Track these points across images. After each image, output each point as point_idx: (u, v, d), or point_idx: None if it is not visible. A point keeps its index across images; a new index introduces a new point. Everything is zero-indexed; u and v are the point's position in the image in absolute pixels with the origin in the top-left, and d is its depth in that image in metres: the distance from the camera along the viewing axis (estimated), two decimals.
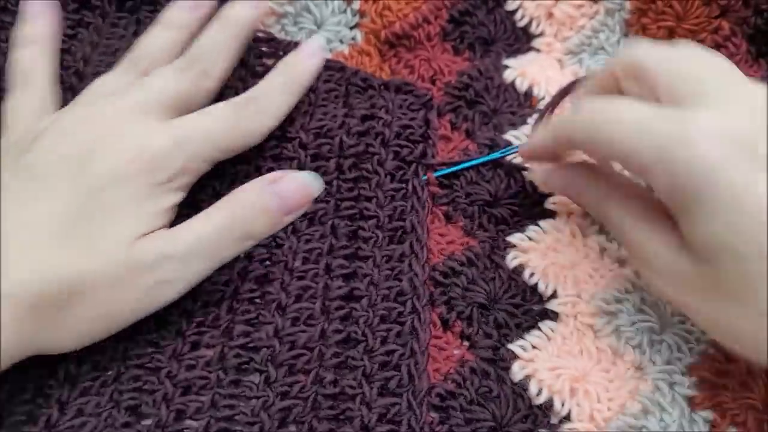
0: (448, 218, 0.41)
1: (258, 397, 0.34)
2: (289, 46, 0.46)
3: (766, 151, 0.29)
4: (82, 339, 0.34)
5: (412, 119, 0.43)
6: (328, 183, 0.41)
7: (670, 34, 0.46)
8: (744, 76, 0.33)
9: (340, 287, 0.38)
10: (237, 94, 0.44)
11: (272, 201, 0.37)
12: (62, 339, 0.33)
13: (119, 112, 0.37)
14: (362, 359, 0.35)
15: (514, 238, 0.40)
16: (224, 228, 0.36)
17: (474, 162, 0.42)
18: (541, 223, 0.41)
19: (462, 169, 0.42)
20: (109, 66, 0.44)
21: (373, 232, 0.39)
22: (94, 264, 0.32)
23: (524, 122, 0.44)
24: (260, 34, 0.47)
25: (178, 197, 0.36)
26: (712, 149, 0.29)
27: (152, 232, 0.34)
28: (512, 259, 0.40)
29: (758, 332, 0.29)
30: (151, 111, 0.37)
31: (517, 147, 0.41)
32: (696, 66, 0.32)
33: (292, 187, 0.38)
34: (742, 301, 0.29)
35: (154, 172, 0.35)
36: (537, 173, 0.41)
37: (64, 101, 0.43)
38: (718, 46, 0.46)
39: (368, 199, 0.40)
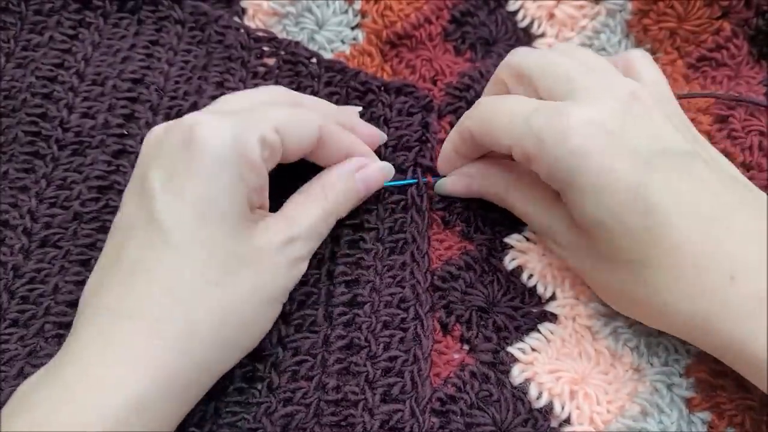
0: (446, 223, 0.42)
1: (261, 404, 0.34)
2: (290, 46, 0.46)
3: (627, 137, 0.33)
4: (251, 327, 0.35)
5: (409, 125, 0.43)
6: None
7: (672, 35, 0.46)
8: (613, 70, 0.37)
9: (342, 293, 0.38)
10: None
11: (361, 190, 0.39)
12: (232, 337, 0.34)
13: None
14: (365, 365, 0.36)
15: (512, 239, 0.41)
16: (328, 212, 0.38)
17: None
18: None
19: None
20: (110, 66, 0.44)
21: (373, 244, 0.40)
22: (219, 260, 0.33)
23: None
24: (261, 34, 0.47)
25: (265, 173, 0.36)
26: (581, 139, 0.33)
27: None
28: (510, 261, 0.40)
29: (630, 291, 0.34)
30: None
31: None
32: (566, 65, 0.36)
33: (376, 177, 0.40)
34: (616, 266, 0.34)
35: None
36: (442, 183, 0.42)
37: (65, 101, 0.43)
38: (719, 48, 0.46)
39: (368, 212, 0.41)
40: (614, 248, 0.34)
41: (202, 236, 0.32)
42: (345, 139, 0.39)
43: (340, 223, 0.39)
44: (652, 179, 0.32)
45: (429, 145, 0.42)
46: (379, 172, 0.40)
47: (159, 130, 0.35)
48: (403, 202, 0.41)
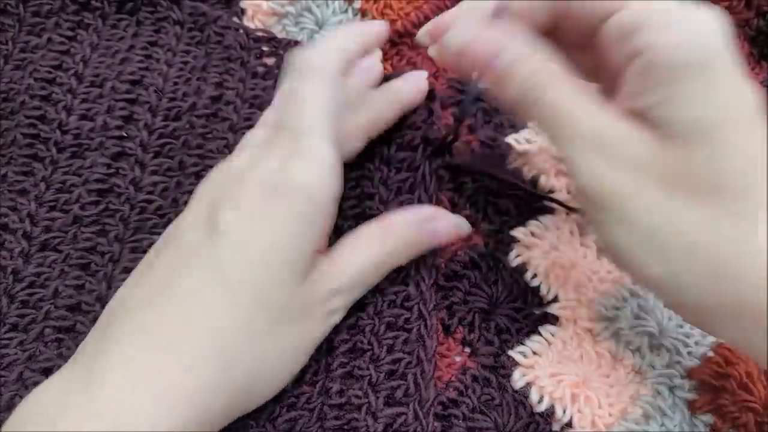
0: (454, 205, 0.41)
1: (264, 409, 0.34)
2: (290, 46, 0.46)
3: None
4: (275, 380, 0.34)
5: (413, 112, 0.42)
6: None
7: None
8: None
9: None
10: (238, 95, 0.45)
11: (427, 239, 0.37)
12: (258, 386, 0.33)
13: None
14: (368, 368, 0.35)
15: (518, 232, 0.40)
16: (381, 261, 0.36)
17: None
18: (542, 218, 0.41)
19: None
20: (109, 67, 0.44)
21: None
22: (267, 307, 0.32)
23: (524, 124, 0.44)
24: (261, 34, 0.47)
25: (328, 220, 0.35)
26: (718, 33, 0.28)
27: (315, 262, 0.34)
28: (515, 257, 0.40)
29: (735, 243, 0.27)
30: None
31: None
32: None
33: (446, 230, 0.37)
34: (713, 195, 0.27)
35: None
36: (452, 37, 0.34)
37: (63, 103, 0.43)
38: None
39: (371, 197, 0.40)
40: (719, 166, 0.27)
41: (260, 284, 0.31)
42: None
43: (342, 215, 0.39)
44: None
45: (435, 127, 0.41)
46: (454, 227, 0.37)
47: (241, 164, 0.34)
48: (410, 181, 0.40)
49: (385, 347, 0.36)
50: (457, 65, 0.34)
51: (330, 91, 0.34)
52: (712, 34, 0.28)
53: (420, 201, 0.39)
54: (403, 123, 0.42)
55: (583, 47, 0.33)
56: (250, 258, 0.31)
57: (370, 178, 0.41)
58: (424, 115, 0.42)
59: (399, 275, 0.38)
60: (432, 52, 0.36)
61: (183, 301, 0.31)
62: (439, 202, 0.40)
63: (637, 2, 0.29)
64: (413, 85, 0.41)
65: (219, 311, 0.31)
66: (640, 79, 0.29)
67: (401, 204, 0.39)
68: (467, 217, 0.40)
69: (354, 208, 0.40)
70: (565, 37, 0.33)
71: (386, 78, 0.44)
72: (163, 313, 0.31)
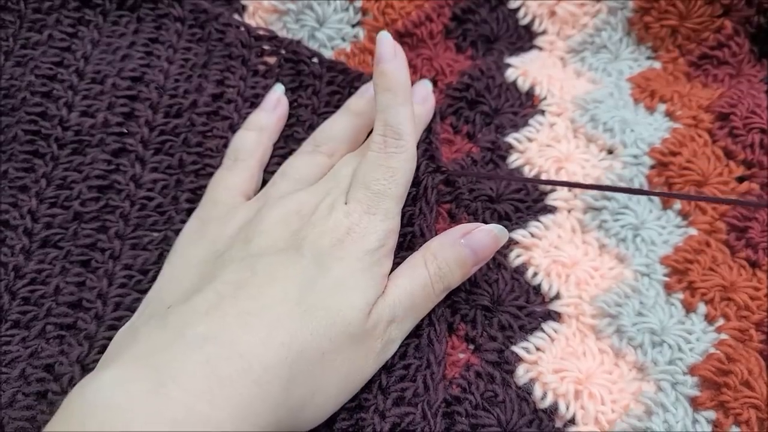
0: (452, 216, 0.41)
1: None
2: (291, 45, 0.46)
3: None
4: (326, 405, 0.34)
5: None
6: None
7: (673, 33, 0.46)
8: None
9: None
10: (239, 94, 0.45)
11: (468, 255, 0.37)
12: (309, 409, 0.33)
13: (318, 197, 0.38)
14: (380, 375, 0.35)
15: (517, 234, 0.40)
16: (429, 286, 0.36)
17: None
18: (542, 218, 0.41)
19: (464, 169, 0.42)
20: (110, 64, 0.44)
21: None
22: (336, 332, 0.33)
23: (525, 123, 0.44)
24: (262, 32, 0.47)
25: (391, 260, 0.37)
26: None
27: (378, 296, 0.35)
28: (515, 258, 0.40)
29: None
30: (342, 194, 0.38)
31: None
32: None
33: (484, 241, 0.38)
34: None
35: (365, 243, 0.36)
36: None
37: (64, 100, 0.42)
38: (720, 46, 0.46)
39: None
40: None
41: (331, 304, 0.33)
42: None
43: None
44: None
45: (434, 145, 0.42)
46: (488, 234, 0.38)
47: (323, 210, 0.37)
48: (412, 193, 0.40)
49: (397, 355, 0.36)
50: None
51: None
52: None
53: (422, 212, 0.39)
54: None
55: None
56: (330, 283, 0.33)
57: None
58: (425, 134, 0.42)
59: None
60: None
61: (262, 312, 0.32)
62: (438, 214, 0.41)
63: None
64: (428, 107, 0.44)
65: (295, 329, 0.31)
66: None
67: (404, 215, 0.39)
68: None
69: None
70: None
71: None
72: (240, 321, 0.31)
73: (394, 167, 0.37)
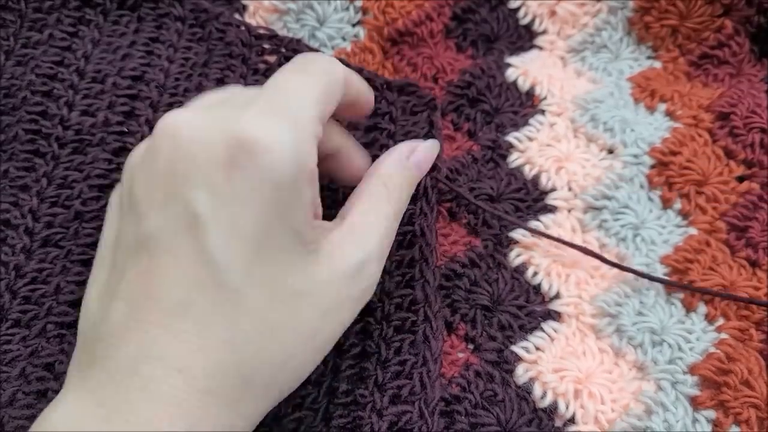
0: (452, 215, 0.41)
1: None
2: (291, 43, 0.46)
3: None
4: (305, 364, 0.31)
5: (416, 123, 0.43)
6: (334, 190, 0.41)
7: (673, 33, 0.46)
8: None
9: None
10: None
11: (415, 173, 0.36)
12: (283, 377, 0.30)
13: None
14: (376, 370, 0.35)
15: (517, 233, 0.40)
16: (396, 213, 0.34)
17: None
18: (543, 218, 0.41)
19: (464, 167, 0.42)
20: (110, 63, 0.44)
21: None
22: (287, 296, 0.29)
23: (526, 122, 0.44)
24: (262, 31, 0.47)
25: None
26: None
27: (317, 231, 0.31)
28: (515, 257, 0.40)
29: None
30: None
31: None
32: None
33: (426, 157, 0.37)
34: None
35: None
36: None
37: (65, 99, 0.42)
38: (721, 45, 0.46)
39: None
40: None
41: (261, 275, 0.28)
42: (359, 80, 0.34)
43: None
44: None
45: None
46: (431, 151, 0.37)
47: (197, 126, 0.29)
48: (413, 193, 0.39)
49: (392, 350, 0.36)
50: None
51: (326, 96, 0.32)
52: None
53: (422, 211, 0.39)
54: (406, 136, 0.42)
55: None
56: (241, 248, 0.28)
57: None
58: (426, 128, 0.42)
59: (404, 278, 0.38)
60: None
61: (180, 312, 0.28)
62: (439, 212, 0.41)
63: None
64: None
65: (224, 316, 0.28)
66: None
67: (404, 214, 0.38)
68: (466, 225, 0.41)
69: None
70: None
71: (387, 83, 0.44)
72: (165, 329, 0.28)
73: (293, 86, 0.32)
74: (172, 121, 0.30)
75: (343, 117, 0.37)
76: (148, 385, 0.27)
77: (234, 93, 0.33)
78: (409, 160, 0.36)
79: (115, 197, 0.33)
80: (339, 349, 0.36)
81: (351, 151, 0.37)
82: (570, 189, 0.42)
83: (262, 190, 0.28)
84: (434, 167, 0.40)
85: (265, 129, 0.28)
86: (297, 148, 0.29)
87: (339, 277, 0.31)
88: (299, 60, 0.33)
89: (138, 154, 0.32)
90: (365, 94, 0.36)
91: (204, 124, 0.29)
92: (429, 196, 0.40)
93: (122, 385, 0.27)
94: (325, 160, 0.34)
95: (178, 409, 0.27)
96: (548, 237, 0.40)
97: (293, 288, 0.29)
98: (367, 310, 0.37)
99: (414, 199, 0.39)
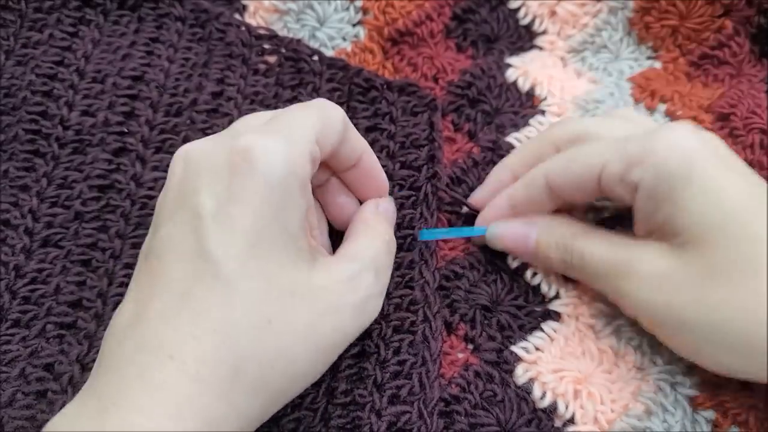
0: (451, 225, 0.41)
1: None
2: (291, 43, 0.46)
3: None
4: (297, 369, 0.32)
5: (416, 124, 0.43)
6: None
7: (673, 33, 0.46)
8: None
9: None
10: (239, 92, 0.45)
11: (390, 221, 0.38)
12: (276, 379, 0.31)
13: None
14: (374, 370, 0.35)
15: None
16: (387, 241, 0.36)
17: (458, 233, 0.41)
18: None
19: (465, 172, 0.42)
20: (110, 63, 0.44)
21: None
22: (283, 294, 0.31)
23: (526, 123, 0.44)
24: (262, 31, 0.47)
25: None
26: (694, 142, 0.33)
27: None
28: (514, 258, 0.40)
29: (754, 313, 0.31)
30: None
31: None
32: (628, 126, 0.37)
33: (392, 208, 0.39)
34: (733, 282, 0.31)
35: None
36: (496, 231, 0.39)
37: (65, 99, 0.43)
38: (721, 46, 0.46)
39: None
40: (731, 256, 0.31)
41: (255, 269, 0.30)
42: (357, 135, 0.36)
43: None
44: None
45: (436, 144, 0.42)
46: (392, 204, 0.39)
47: (204, 147, 0.33)
48: (413, 198, 0.40)
49: (391, 350, 0.36)
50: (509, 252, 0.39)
51: (323, 125, 0.34)
52: (685, 144, 0.33)
53: (422, 217, 0.40)
54: (406, 137, 0.42)
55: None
56: (237, 243, 0.30)
57: None
58: (427, 130, 0.42)
59: (404, 279, 0.38)
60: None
61: (179, 303, 0.29)
62: (438, 220, 0.41)
63: (616, 148, 0.34)
64: None
65: (218, 306, 0.29)
66: (647, 205, 0.34)
67: (404, 218, 0.40)
68: None
69: None
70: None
71: (387, 84, 0.44)
72: (164, 319, 0.29)
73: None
74: (184, 150, 0.33)
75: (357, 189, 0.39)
76: (143, 374, 0.28)
77: (240, 121, 0.36)
78: (379, 209, 0.38)
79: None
80: None
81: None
82: None
83: (257, 190, 0.30)
84: (435, 174, 0.40)
85: (262, 141, 0.31)
86: (288, 155, 0.31)
87: (333, 283, 0.32)
88: (305, 101, 0.36)
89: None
90: (368, 152, 0.37)
91: (211, 145, 0.33)
92: (429, 202, 0.40)
93: (120, 376, 0.28)
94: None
95: (169, 395, 0.28)
96: None
97: (288, 286, 0.31)
98: None
99: (414, 204, 0.40)
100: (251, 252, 0.30)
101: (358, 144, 0.36)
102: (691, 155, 0.33)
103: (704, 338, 0.33)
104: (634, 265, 0.34)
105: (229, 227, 0.30)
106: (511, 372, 0.36)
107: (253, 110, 0.44)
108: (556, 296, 0.39)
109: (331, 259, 0.34)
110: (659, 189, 0.33)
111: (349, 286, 0.33)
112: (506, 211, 0.39)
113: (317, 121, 0.33)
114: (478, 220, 0.40)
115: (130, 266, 0.39)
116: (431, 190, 0.40)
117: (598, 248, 0.36)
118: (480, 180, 0.42)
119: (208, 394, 0.28)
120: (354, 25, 0.48)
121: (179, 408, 0.27)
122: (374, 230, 0.36)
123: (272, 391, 0.31)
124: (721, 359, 0.33)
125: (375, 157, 0.37)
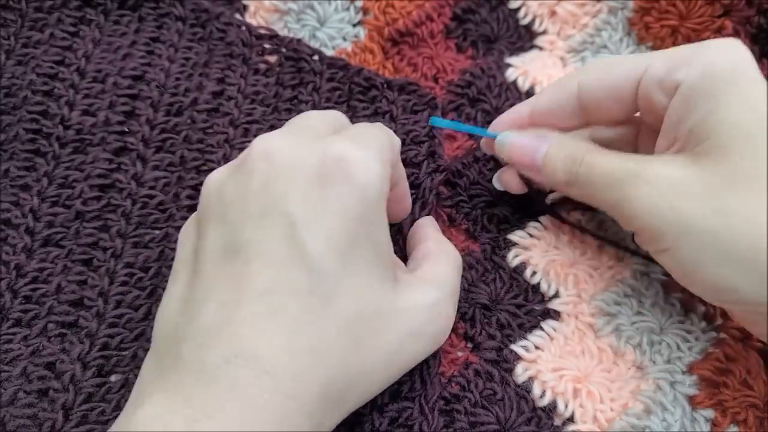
0: (452, 221, 0.42)
1: None
2: (292, 43, 0.46)
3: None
4: (371, 389, 0.32)
5: (416, 122, 0.43)
6: None
7: (673, 33, 0.46)
8: None
9: None
10: (240, 91, 0.45)
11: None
12: (351, 398, 0.31)
13: None
14: None
15: (515, 235, 0.41)
16: (458, 266, 0.37)
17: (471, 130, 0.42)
18: (542, 219, 0.41)
19: (466, 167, 0.43)
20: (111, 63, 0.44)
21: None
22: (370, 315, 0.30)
23: None
24: (263, 31, 0.47)
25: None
26: (738, 48, 0.33)
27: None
28: (514, 258, 0.40)
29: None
30: None
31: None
32: None
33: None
34: (754, 192, 0.31)
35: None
36: (505, 139, 0.38)
37: (65, 99, 0.43)
38: None
39: None
40: (758, 165, 0.31)
41: (349, 287, 0.29)
42: (401, 162, 0.36)
43: None
44: None
45: (437, 140, 0.42)
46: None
47: (289, 146, 0.31)
48: (413, 196, 0.40)
49: None
50: (512, 162, 0.39)
51: (392, 147, 0.34)
52: (734, 51, 0.33)
53: (421, 213, 0.40)
54: (407, 135, 0.42)
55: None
56: (336, 259, 0.29)
57: None
58: (427, 127, 0.42)
59: None
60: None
61: (273, 314, 0.28)
62: (438, 216, 0.41)
63: (662, 53, 0.35)
64: None
65: (316, 323, 0.29)
66: (681, 109, 0.33)
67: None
68: (465, 231, 0.41)
69: None
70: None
71: (387, 82, 0.44)
72: (257, 330, 0.28)
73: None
74: (265, 146, 0.31)
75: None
76: (235, 386, 0.27)
77: (311, 121, 0.35)
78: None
79: (191, 221, 0.34)
80: None
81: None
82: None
83: (352, 206, 0.30)
84: (435, 170, 0.41)
85: (358, 153, 0.30)
86: (383, 174, 0.31)
87: (418, 307, 0.32)
88: (364, 123, 0.36)
89: (220, 177, 0.33)
90: (404, 178, 0.37)
91: (297, 148, 0.31)
92: (426, 198, 0.40)
93: (210, 385, 0.27)
94: None
95: (264, 411, 0.27)
96: (567, 223, 0.41)
97: (375, 307, 0.30)
98: None
99: (414, 200, 0.40)
100: (347, 269, 0.29)
101: (399, 171, 0.36)
102: (738, 61, 0.33)
103: (708, 246, 0.32)
104: (645, 172, 0.33)
105: (327, 239, 0.29)
106: (510, 371, 0.36)
107: (254, 110, 0.44)
108: (556, 295, 0.39)
109: (413, 280, 0.33)
110: (701, 87, 0.33)
111: (431, 315, 0.33)
112: (524, 117, 0.38)
113: (389, 141, 0.33)
114: (494, 123, 0.39)
115: (131, 265, 0.39)
116: (430, 186, 0.40)
117: (609, 158, 0.35)
118: (480, 175, 0.42)
119: (300, 413, 0.28)
120: (354, 25, 0.49)
121: (274, 425, 0.27)
122: (449, 255, 0.36)
123: (347, 410, 0.31)
124: (718, 271, 0.32)
125: (407, 183, 0.37)
